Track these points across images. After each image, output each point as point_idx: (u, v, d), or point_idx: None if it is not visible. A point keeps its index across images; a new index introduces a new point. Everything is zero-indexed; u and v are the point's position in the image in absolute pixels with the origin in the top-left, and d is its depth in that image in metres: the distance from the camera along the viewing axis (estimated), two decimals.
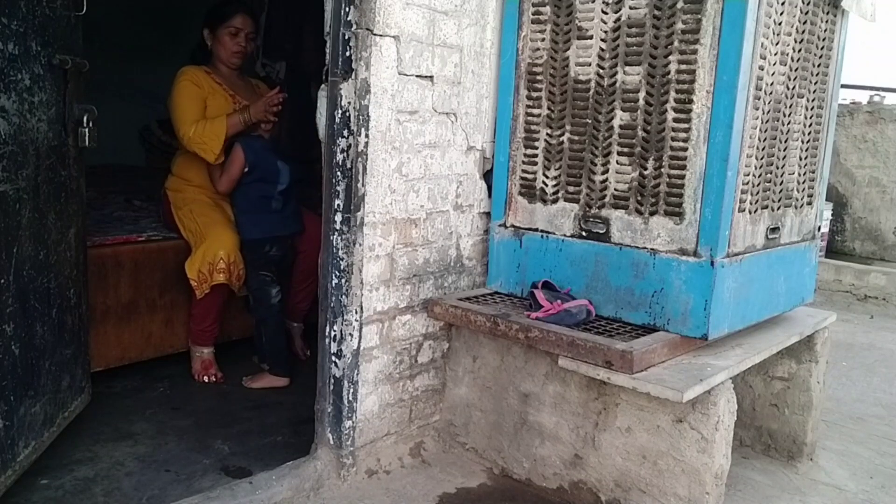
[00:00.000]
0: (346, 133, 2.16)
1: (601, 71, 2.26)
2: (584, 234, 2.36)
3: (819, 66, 2.44)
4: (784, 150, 2.34)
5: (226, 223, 2.99)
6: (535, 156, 2.45)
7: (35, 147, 2.01)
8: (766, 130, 2.21)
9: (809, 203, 2.59)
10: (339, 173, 2.19)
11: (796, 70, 2.30)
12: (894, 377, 3.77)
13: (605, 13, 2.24)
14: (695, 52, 2.07)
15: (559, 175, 2.41)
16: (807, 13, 2.29)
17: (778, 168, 2.33)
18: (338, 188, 2.20)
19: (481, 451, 2.51)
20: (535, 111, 2.44)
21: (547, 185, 2.44)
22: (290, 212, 3.07)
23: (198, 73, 3.06)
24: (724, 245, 2.11)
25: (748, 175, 2.16)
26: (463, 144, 2.50)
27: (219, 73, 3.13)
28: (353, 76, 2.13)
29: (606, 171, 2.29)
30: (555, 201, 2.43)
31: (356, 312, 2.24)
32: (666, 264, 2.17)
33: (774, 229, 2.37)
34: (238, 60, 3.16)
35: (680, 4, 2.09)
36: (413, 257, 2.40)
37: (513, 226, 2.53)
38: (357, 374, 2.28)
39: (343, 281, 2.23)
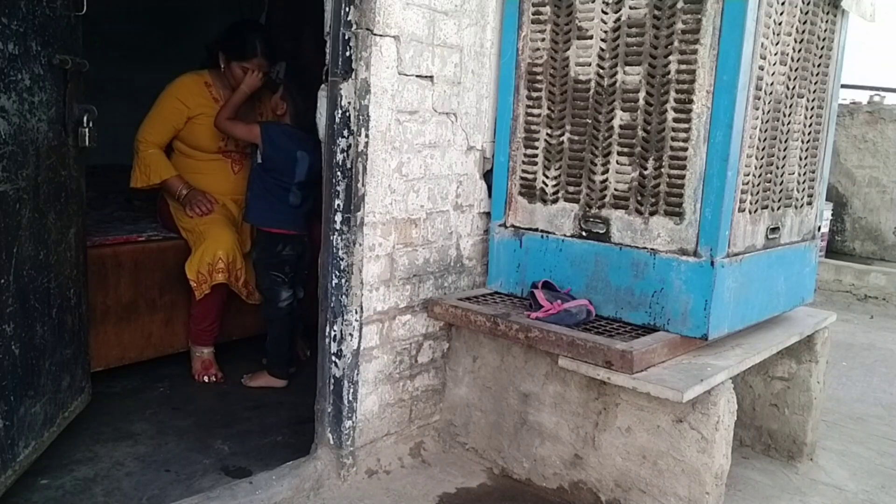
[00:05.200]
0: (346, 133, 2.16)
1: (601, 71, 2.26)
2: (584, 234, 2.36)
3: (819, 66, 2.44)
4: (784, 150, 2.34)
5: (225, 223, 2.99)
6: (535, 156, 2.45)
7: (35, 147, 2.01)
8: (766, 130, 2.21)
9: (809, 203, 2.59)
10: (339, 173, 2.19)
11: (796, 70, 2.30)
12: (894, 377, 3.77)
13: (605, 13, 2.24)
14: (695, 52, 2.07)
15: (559, 175, 2.40)
16: (807, 13, 2.29)
17: (778, 168, 2.33)
18: (338, 188, 2.20)
19: (481, 451, 2.51)
20: (535, 111, 2.44)
21: (547, 185, 2.44)
22: (307, 210, 2.96)
23: (193, 88, 3.03)
24: (724, 245, 2.11)
25: (748, 175, 2.16)
26: (463, 144, 2.50)
27: (222, 85, 3.09)
28: (353, 76, 2.13)
29: (606, 171, 2.29)
30: (555, 201, 2.42)
31: (356, 312, 2.24)
32: (666, 264, 2.17)
33: (774, 229, 2.37)
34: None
35: (680, 4, 2.09)
36: (413, 257, 2.40)
37: (513, 226, 2.53)
38: (357, 374, 2.28)
39: (343, 281, 2.23)
